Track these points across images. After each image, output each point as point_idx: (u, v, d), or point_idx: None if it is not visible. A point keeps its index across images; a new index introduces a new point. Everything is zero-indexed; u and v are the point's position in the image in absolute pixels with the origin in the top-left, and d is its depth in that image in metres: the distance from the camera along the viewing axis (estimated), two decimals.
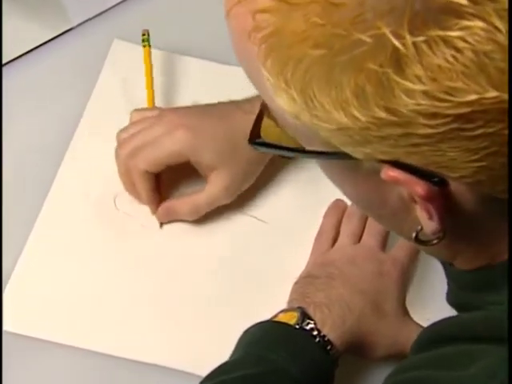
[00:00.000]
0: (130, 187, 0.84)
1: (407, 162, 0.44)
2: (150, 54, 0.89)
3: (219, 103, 0.84)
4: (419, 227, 0.50)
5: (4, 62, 0.91)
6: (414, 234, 0.51)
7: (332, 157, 0.47)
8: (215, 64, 0.93)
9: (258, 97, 0.49)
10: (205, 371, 0.71)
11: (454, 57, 0.39)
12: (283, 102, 0.44)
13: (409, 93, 0.40)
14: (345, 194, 0.54)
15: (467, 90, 0.39)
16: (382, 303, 0.77)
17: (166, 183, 0.85)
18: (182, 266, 0.84)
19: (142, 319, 0.81)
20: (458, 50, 0.39)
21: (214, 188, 0.82)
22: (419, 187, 0.45)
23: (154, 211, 0.84)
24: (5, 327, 0.79)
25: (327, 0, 0.40)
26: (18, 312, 0.80)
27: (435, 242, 0.50)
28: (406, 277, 0.81)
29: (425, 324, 0.77)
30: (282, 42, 0.42)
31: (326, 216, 0.85)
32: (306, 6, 0.40)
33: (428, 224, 0.48)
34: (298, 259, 0.83)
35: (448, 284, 0.62)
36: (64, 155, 0.88)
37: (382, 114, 0.41)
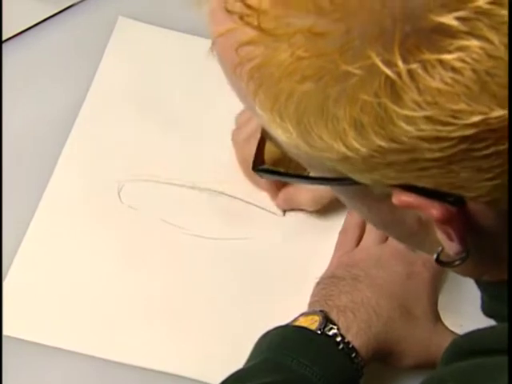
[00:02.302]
0: (249, 174, 0.84)
1: (419, 185, 0.43)
2: None
3: None
4: (440, 248, 0.49)
5: (3, 39, 0.90)
6: (435, 256, 0.51)
7: (340, 183, 0.47)
8: None
9: None
10: (213, 378, 0.71)
11: (453, 79, 0.39)
12: (280, 135, 0.44)
13: (409, 120, 0.40)
14: (362, 217, 0.54)
15: (471, 112, 0.39)
16: (411, 307, 0.76)
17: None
18: (189, 265, 0.83)
19: (147, 322, 0.80)
20: (456, 71, 0.38)
21: None
22: (434, 210, 0.44)
23: (274, 198, 0.84)
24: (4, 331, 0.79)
25: (310, 30, 0.39)
26: (16, 315, 0.79)
27: (458, 263, 0.50)
28: (437, 279, 0.80)
29: (458, 330, 0.77)
30: (270, 76, 0.42)
31: (350, 212, 0.84)
32: (289, 37, 0.40)
33: (449, 245, 0.48)
34: (319, 258, 0.82)
35: (481, 295, 0.62)
36: (66, 141, 0.87)
37: (383, 144, 0.41)
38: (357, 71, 0.39)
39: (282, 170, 0.51)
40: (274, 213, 0.85)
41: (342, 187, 0.49)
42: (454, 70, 0.38)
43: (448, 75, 0.38)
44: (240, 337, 0.78)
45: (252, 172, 0.81)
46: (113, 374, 0.78)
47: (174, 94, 0.90)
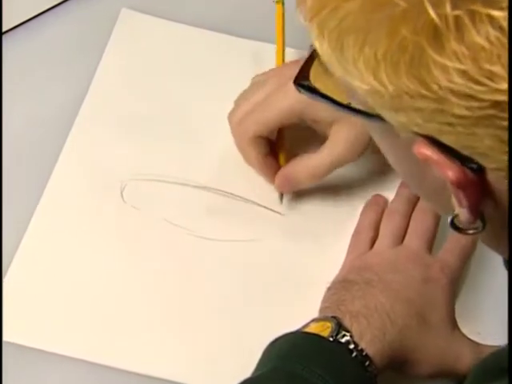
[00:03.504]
0: (245, 156, 0.82)
1: (443, 141, 0.43)
2: (283, 8, 0.86)
3: None
4: (456, 212, 0.49)
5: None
6: (449, 219, 0.50)
7: (371, 118, 0.47)
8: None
9: None
10: None
11: (498, 39, 0.38)
12: (318, 49, 0.44)
13: (444, 69, 0.40)
14: (389, 161, 0.54)
15: (506, 78, 0.39)
16: (428, 314, 0.75)
17: (283, 150, 0.83)
18: (193, 267, 0.82)
19: (149, 327, 0.79)
20: (504, 31, 0.38)
21: (336, 144, 0.79)
22: (451, 171, 0.44)
23: (271, 181, 0.83)
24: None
25: None
26: (16, 320, 0.79)
27: (471, 232, 0.50)
28: (455, 284, 0.79)
29: (475, 338, 0.76)
30: None
31: (363, 213, 0.83)
32: None
33: (460, 211, 0.48)
34: (330, 261, 0.81)
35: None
36: (66, 138, 0.86)
37: (413, 86, 0.41)
38: (402, 3, 0.39)
39: (322, 91, 0.52)
40: (281, 214, 0.84)
41: (372, 124, 0.49)
42: (501, 29, 0.38)
43: (494, 34, 0.38)
44: (246, 343, 0.77)
45: (248, 153, 0.81)
46: (114, 381, 0.78)
47: (178, 89, 0.90)
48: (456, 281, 0.79)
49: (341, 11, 0.42)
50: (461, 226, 0.50)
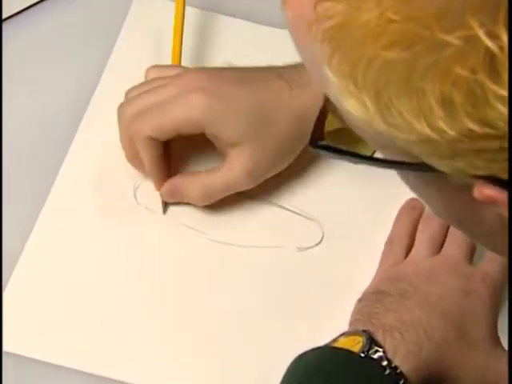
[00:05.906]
0: (132, 156, 0.83)
1: (506, 179, 0.42)
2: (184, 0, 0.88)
3: (256, 67, 0.84)
4: None
5: (5, 16, 0.90)
6: None
7: (413, 168, 0.46)
8: (258, 26, 0.93)
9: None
10: None
11: None
12: (352, 108, 0.43)
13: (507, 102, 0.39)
14: (431, 208, 0.53)
15: None
16: (467, 328, 0.75)
17: (176, 156, 0.84)
18: (212, 275, 0.82)
19: (159, 341, 0.79)
20: None
21: (233, 170, 0.81)
22: None
23: (158, 187, 0.83)
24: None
25: None
26: (15, 329, 0.79)
27: None
28: (498, 296, 0.78)
29: None
30: (351, 38, 0.41)
31: (398, 218, 0.83)
32: None
33: None
34: (361, 270, 0.81)
35: None
36: (75, 133, 0.86)
37: (475, 127, 0.40)
38: (455, 41, 0.38)
39: (344, 148, 0.51)
40: (310, 218, 0.84)
41: (414, 173, 0.48)
42: None
43: None
44: (268, 358, 0.78)
45: (134, 153, 0.82)
46: None
47: None
48: (499, 293, 0.79)
49: (378, 61, 0.41)
50: None
